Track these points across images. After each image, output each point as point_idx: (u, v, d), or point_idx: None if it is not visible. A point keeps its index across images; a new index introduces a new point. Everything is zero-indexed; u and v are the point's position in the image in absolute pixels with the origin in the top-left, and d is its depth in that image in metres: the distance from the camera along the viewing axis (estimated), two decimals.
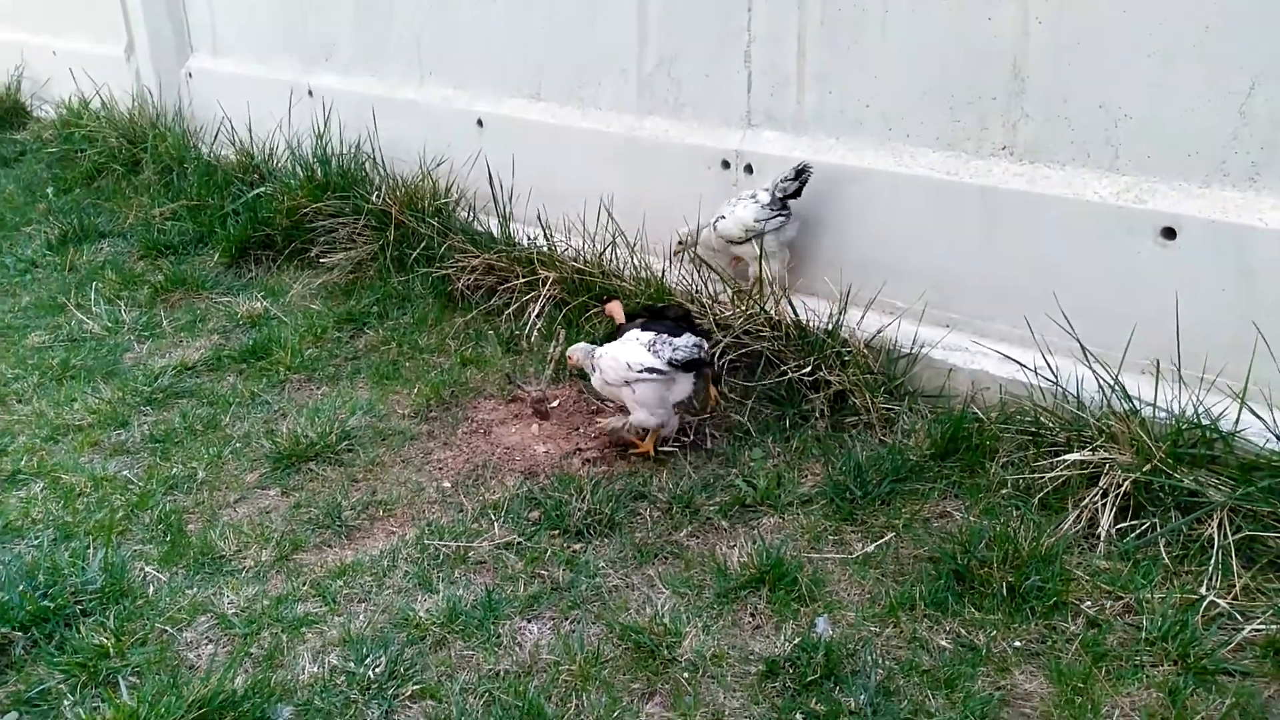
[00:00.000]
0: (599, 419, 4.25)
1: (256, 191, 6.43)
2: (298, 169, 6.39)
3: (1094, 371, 3.66)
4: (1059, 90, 3.77)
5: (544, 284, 5.04)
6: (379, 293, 5.58)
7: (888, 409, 4.04)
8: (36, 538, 3.67)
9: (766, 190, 4.68)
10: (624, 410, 4.04)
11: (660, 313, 4.19)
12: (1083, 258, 3.77)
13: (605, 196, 5.18)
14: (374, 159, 6.29)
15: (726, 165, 4.80)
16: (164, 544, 3.64)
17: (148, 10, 8.26)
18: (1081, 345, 3.74)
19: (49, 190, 7.80)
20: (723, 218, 4.79)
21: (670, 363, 3.81)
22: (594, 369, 3.99)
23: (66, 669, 3.05)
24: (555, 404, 4.47)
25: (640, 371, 3.82)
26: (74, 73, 9.09)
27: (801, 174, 4.53)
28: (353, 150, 6.34)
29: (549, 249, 5.19)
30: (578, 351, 4.08)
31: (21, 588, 3.28)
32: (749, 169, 4.75)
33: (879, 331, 4.19)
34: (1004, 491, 3.60)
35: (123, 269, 6.29)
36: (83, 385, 4.84)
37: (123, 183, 7.63)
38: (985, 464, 3.72)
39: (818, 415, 4.11)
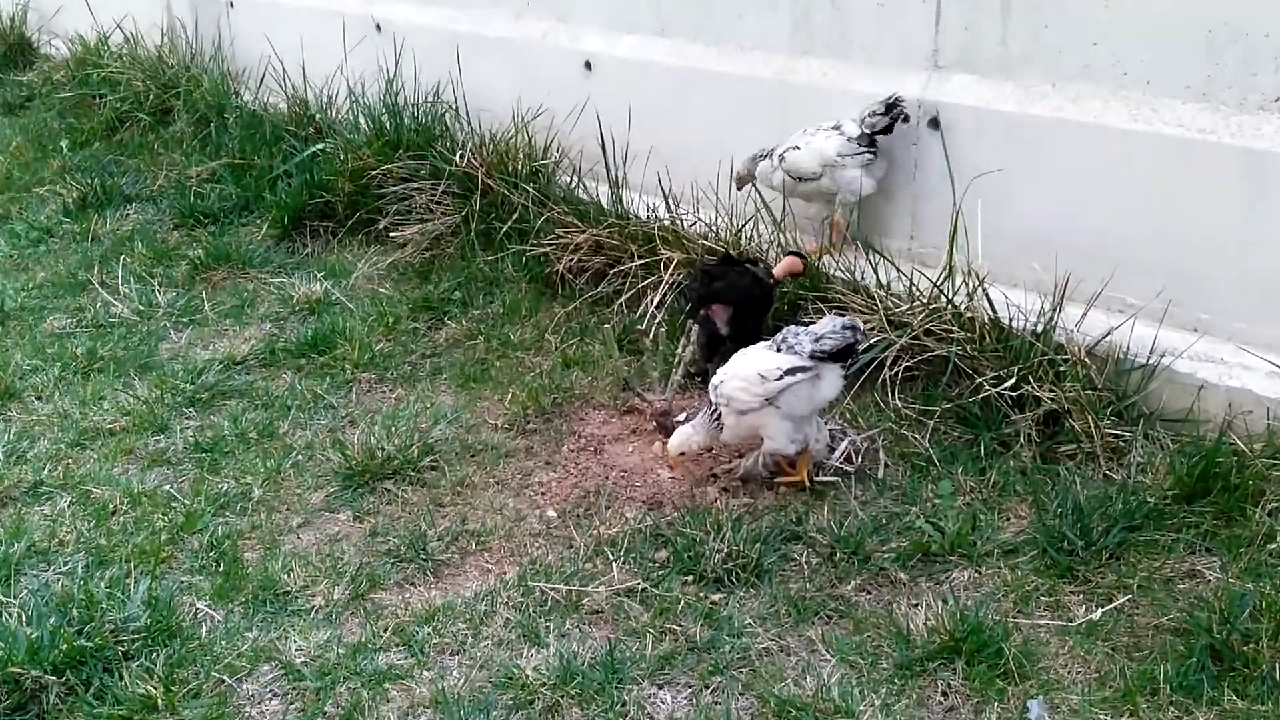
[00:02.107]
0: (723, 460, 4.26)
1: (313, 149, 6.66)
2: (363, 122, 6.60)
3: None
4: None
5: (666, 267, 5.10)
6: (462, 275, 5.72)
7: (1116, 435, 3.99)
8: (66, 563, 3.88)
9: (854, 121, 4.85)
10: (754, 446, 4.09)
11: (729, 262, 4.45)
12: None
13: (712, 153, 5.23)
14: (456, 110, 6.45)
15: (905, 118, 4.81)
16: (216, 575, 3.82)
17: None
18: None
19: (63, 144, 8.21)
20: (795, 148, 4.93)
21: (815, 355, 3.86)
22: (713, 413, 4.00)
23: None
24: (683, 417, 4.51)
25: (781, 377, 3.87)
26: (90, 2, 9.43)
27: (893, 108, 4.71)
28: (430, 99, 6.51)
29: (673, 223, 5.26)
30: (693, 437, 3.98)
31: (54, 623, 3.47)
32: (934, 123, 4.74)
33: (1105, 335, 4.15)
34: (1272, 546, 3.52)
35: (154, 240, 6.58)
36: (112, 380, 5.10)
37: (151, 136, 7.99)
38: (1247, 510, 3.64)
39: (1023, 441, 4.07)
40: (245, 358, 5.21)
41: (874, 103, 4.78)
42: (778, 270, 4.59)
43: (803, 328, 3.97)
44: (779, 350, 3.93)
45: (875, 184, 4.85)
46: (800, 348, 3.88)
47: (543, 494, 4.15)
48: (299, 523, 4.07)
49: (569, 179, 5.90)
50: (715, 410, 4.00)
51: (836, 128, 4.85)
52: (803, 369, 3.87)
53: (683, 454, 4.11)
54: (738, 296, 4.50)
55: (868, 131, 4.77)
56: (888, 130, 4.75)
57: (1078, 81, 4.36)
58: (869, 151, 4.78)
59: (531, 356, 5.06)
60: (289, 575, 3.77)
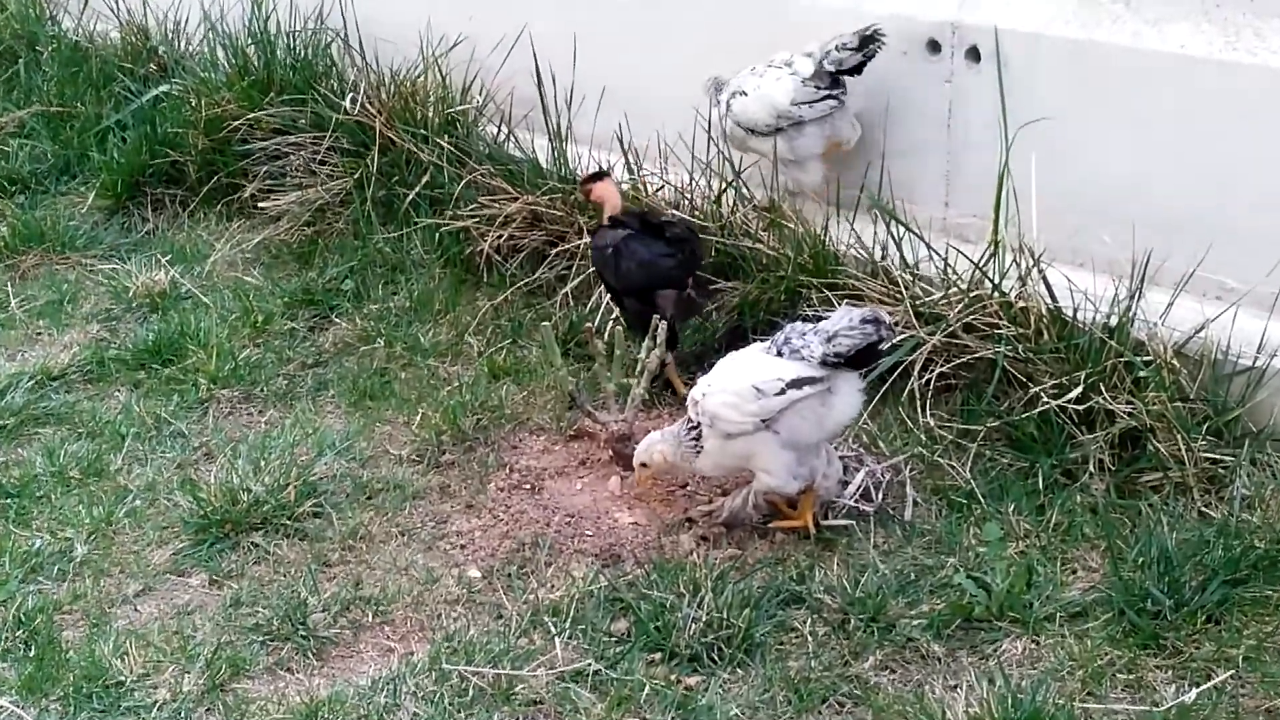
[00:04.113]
0: (700, 497, 4.29)
1: (155, 92, 6.59)
2: (222, 56, 6.54)
3: None
4: None
5: None
6: (355, 257, 5.68)
7: (1213, 461, 4.00)
8: None
9: (809, 57, 4.87)
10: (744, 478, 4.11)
11: (650, 225, 4.57)
12: None
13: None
14: (346, 40, 6.40)
15: (935, 48, 4.82)
16: (26, 661, 3.76)
17: None
18: None
19: None
20: (742, 93, 4.99)
21: (827, 360, 3.86)
22: (693, 441, 3.99)
23: None
24: (636, 462, 4.49)
25: (782, 391, 3.86)
26: None
27: (869, 42, 4.71)
28: (312, 26, 6.46)
29: (634, 188, 5.23)
30: (661, 447, 4.01)
31: None
32: (973, 54, 4.76)
33: (1199, 330, 4.17)
34: None
35: None
36: None
37: None
38: None
39: (1093, 470, 4.08)
40: (65, 371, 5.15)
41: (843, 34, 4.78)
42: (593, 191, 4.77)
43: (809, 324, 3.96)
44: (779, 354, 3.92)
45: (849, 136, 4.93)
46: (808, 351, 3.87)
47: (462, 547, 4.12)
48: (136, 590, 4.02)
49: (496, 130, 5.87)
50: (695, 428, 3.99)
51: (788, 65, 4.89)
52: (811, 380, 3.86)
53: (644, 465, 4.08)
54: (685, 274, 4.60)
55: (830, 69, 4.79)
56: (858, 70, 4.79)
57: (1158, 1, 4.40)
58: (832, 97, 4.82)
59: (448, 365, 5.03)
60: (123, 660, 3.71)
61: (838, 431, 4.04)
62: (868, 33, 4.71)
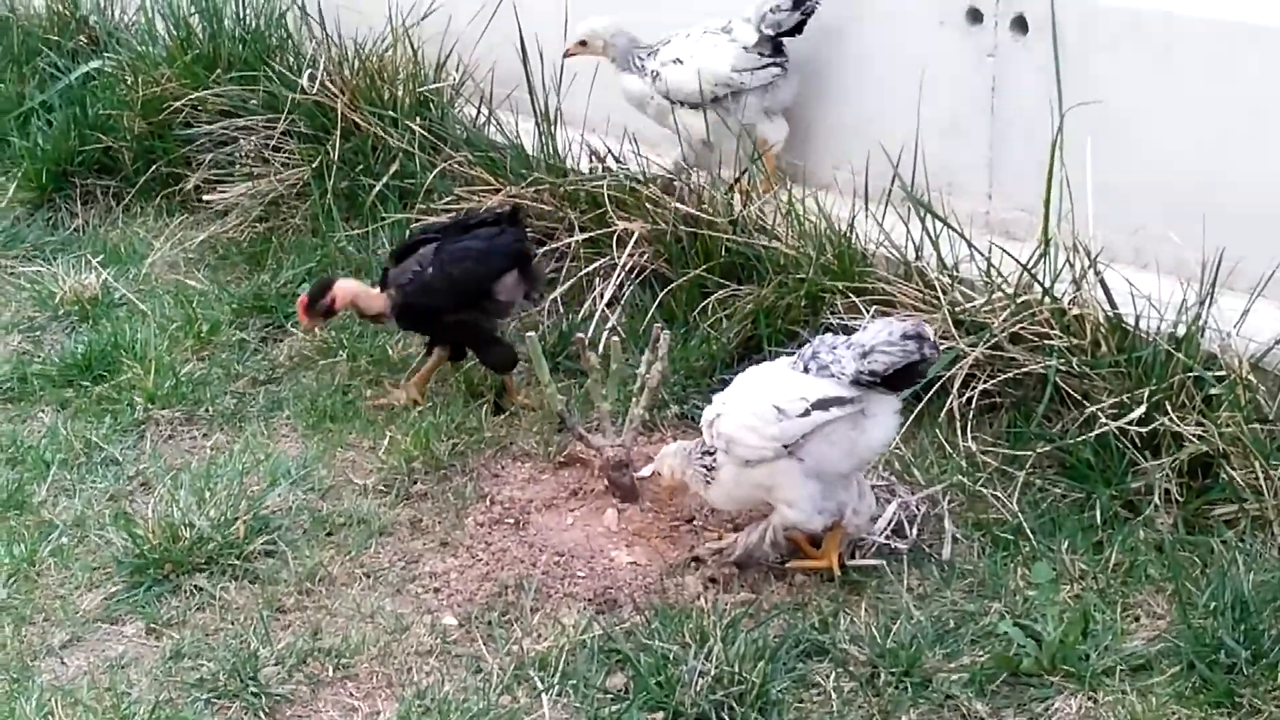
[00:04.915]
0: (708, 533, 4.29)
1: (86, 69, 6.60)
2: (161, 26, 6.53)
3: None
4: None
5: (622, 243, 5.10)
6: (314, 258, 5.68)
7: None
8: None
9: (748, 22, 5.13)
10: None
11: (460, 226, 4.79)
12: None
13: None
14: (303, 8, 6.40)
15: (976, 17, 4.85)
16: None
17: None
18: None
19: None
20: (677, 61, 5.23)
21: (859, 378, 3.84)
22: (707, 465, 4.01)
23: None
24: (649, 471, 4.44)
25: (807, 412, 3.85)
26: None
27: (804, 1, 5.00)
28: None
29: (631, 178, 5.25)
30: (672, 460, 4.08)
31: None
32: (1019, 24, 4.79)
33: None
34: None
35: None
36: None
37: None
38: None
39: (1158, 501, 4.08)
40: None
41: None
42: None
43: (841, 337, 3.94)
44: (806, 370, 3.91)
45: (787, 103, 5.17)
46: (838, 368, 3.84)
47: (436, 591, 4.10)
48: (63, 639, 4.00)
49: (475, 112, 5.88)
50: (710, 454, 3.99)
51: (726, 31, 5.13)
52: (840, 401, 3.84)
53: (657, 474, 4.13)
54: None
55: (769, 33, 5.04)
56: (796, 31, 5.03)
57: None
58: (774, 63, 5.09)
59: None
60: None
61: (870, 460, 4.03)
62: None
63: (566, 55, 5.46)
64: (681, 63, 5.14)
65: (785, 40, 5.11)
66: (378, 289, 4.79)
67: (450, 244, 4.75)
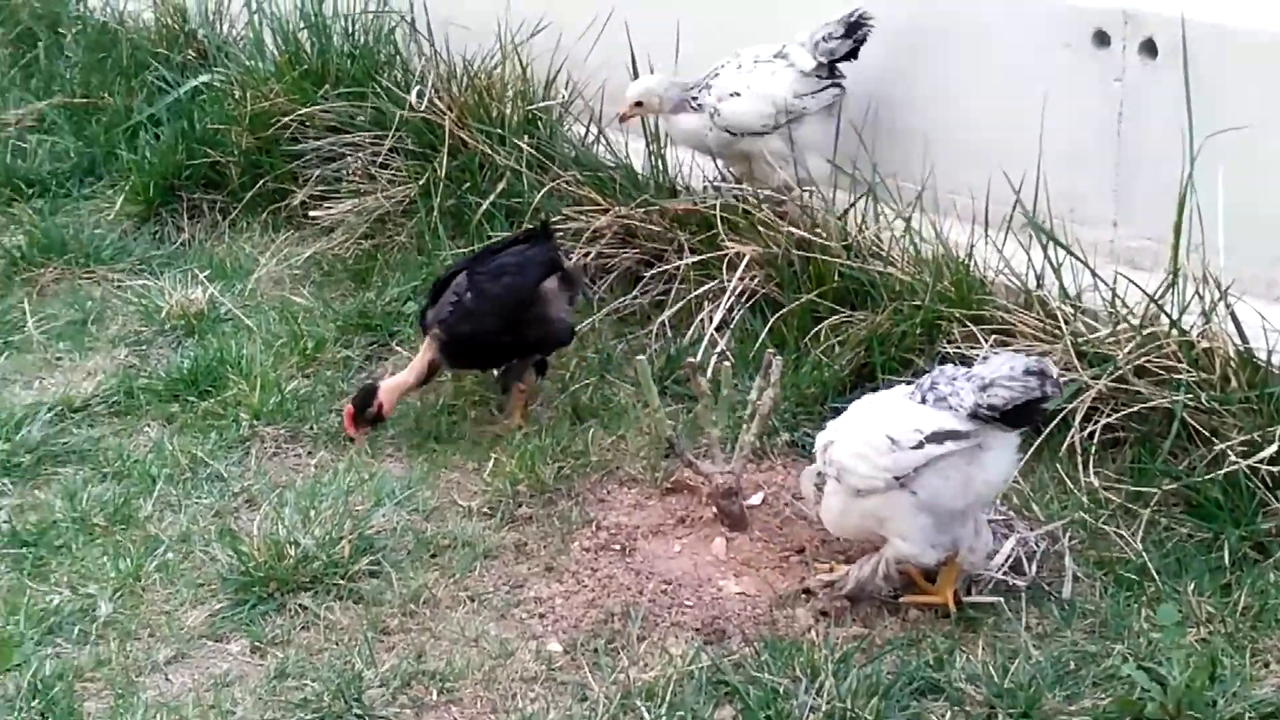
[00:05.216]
0: (819, 564, 4.24)
1: (194, 83, 6.65)
2: (270, 41, 6.59)
3: None
4: None
5: (733, 266, 5.07)
6: (420, 275, 5.67)
7: None
8: None
9: (803, 46, 5.21)
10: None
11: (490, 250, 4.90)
12: None
13: (851, 104, 5.23)
14: (413, 24, 6.44)
15: (1103, 40, 4.80)
16: None
17: None
18: None
19: None
20: (735, 95, 5.26)
21: (977, 412, 3.78)
22: (818, 486, 4.03)
23: None
24: (759, 499, 4.44)
25: (921, 445, 3.81)
26: None
27: (856, 28, 5.11)
28: (374, 8, 6.52)
29: (744, 200, 5.24)
30: (805, 481, 4.13)
31: None
32: (1148, 48, 4.73)
33: None
34: None
35: None
36: None
37: None
38: None
39: None
40: (88, 402, 5.19)
41: (827, 23, 5.11)
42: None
43: (961, 368, 3.89)
44: (923, 401, 3.86)
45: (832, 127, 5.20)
46: (956, 400, 3.79)
47: (541, 616, 4.08)
48: (168, 656, 4.01)
49: (584, 130, 5.87)
50: (821, 480, 3.99)
51: (782, 57, 5.19)
52: (955, 435, 3.78)
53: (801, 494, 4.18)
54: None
55: (825, 58, 5.10)
56: (852, 55, 5.10)
57: None
58: (833, 85, 5.17)
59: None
60: None
61: (988, 498, 3.96)
62: (853, 19, 5.06)
63: (622, 119, 5.48)
64: (740, 95, 5.20)
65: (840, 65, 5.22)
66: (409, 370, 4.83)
67: (482, 266, 4.79)
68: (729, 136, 5.24)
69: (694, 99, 5.30)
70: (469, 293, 4.75)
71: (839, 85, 5.19)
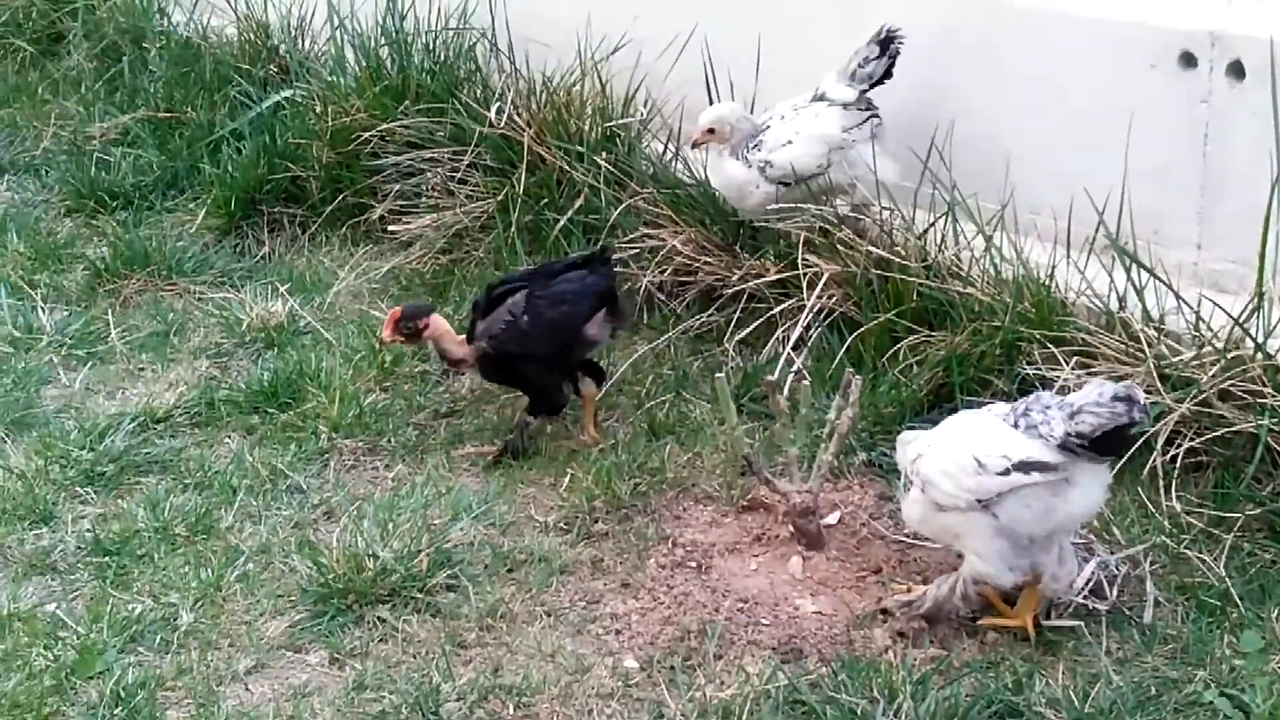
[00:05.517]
0: (896, 584, 4.24)
1: (276, 98, 6.70)
2: (351, 58, 6.63)
3: None
4: None
5: (811, 285, 5.07)
6: None
7: None
8: None
9: (837, 77, 5.29)
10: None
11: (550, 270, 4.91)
12: None
13: (930, 123, 5.21)
14: (493, 42, 6.47)
15: (1189, 61, 4.76)
16: None
17: None
18: None
19: None
20: (786, 144, 5.30)
21: (1067, 442, 3.76)
22: (908, 480, 4.04)
23: None
24: (835, 518, 4.44)
25: (1010, 471, 3.79)
26: None
27: (889, 44, 5.17)
28: (454, 25, 6.54)
29: (822, 218, 5.22)
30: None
31: None
32: (1236, 70, 4.69)
33: None
34: None
35: (35, 232, 6.65)
36: None
37: (33, 73, 8.11)
38: None
39: None
40: (170, 412, 5.24)
41: (858, 48, 5.18)
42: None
43: (1055, 396, 3.86)
44: (1016, 425, 3.84)
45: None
46: (1047, 429, 3.76)
47: (618, 633, 4.09)
48: (248, 666, 4.05)
49: (663, 148, 5.88)
50: (906, 485, 4.02)
51: (821, 99, 5.27)
52: (1043, 466, 3.76)
53: None
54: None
55: (863, 88, 5.19)
56: (887, 76, 5.17)
57: None
58: (873, 116, 5.25)
59: (601, 420, 5.04)
60: None
61: (1070, 529, 3.93)
62: (883, 36, 5.14)
63: (694, 145, 5.48)
64: (792, 142, 5.24)
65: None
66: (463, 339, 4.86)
67: (541, 290, 4.80)
68: (779, 189, 5.26)
69: (746, 153, 5.31)
70: (525, 315, 4.77)
71: (876, 115, 5.26)
